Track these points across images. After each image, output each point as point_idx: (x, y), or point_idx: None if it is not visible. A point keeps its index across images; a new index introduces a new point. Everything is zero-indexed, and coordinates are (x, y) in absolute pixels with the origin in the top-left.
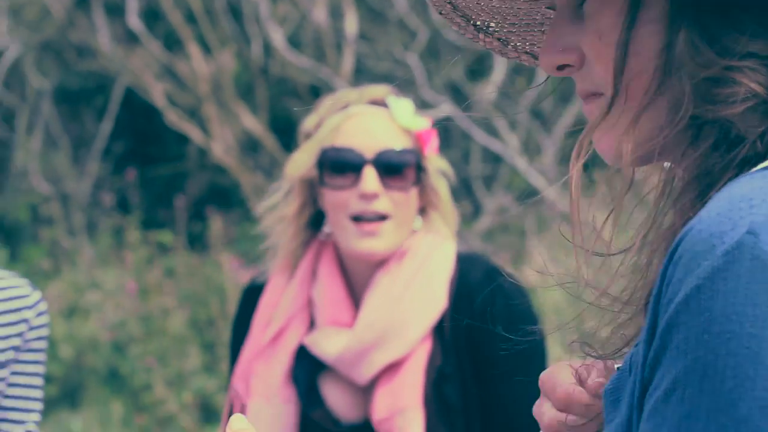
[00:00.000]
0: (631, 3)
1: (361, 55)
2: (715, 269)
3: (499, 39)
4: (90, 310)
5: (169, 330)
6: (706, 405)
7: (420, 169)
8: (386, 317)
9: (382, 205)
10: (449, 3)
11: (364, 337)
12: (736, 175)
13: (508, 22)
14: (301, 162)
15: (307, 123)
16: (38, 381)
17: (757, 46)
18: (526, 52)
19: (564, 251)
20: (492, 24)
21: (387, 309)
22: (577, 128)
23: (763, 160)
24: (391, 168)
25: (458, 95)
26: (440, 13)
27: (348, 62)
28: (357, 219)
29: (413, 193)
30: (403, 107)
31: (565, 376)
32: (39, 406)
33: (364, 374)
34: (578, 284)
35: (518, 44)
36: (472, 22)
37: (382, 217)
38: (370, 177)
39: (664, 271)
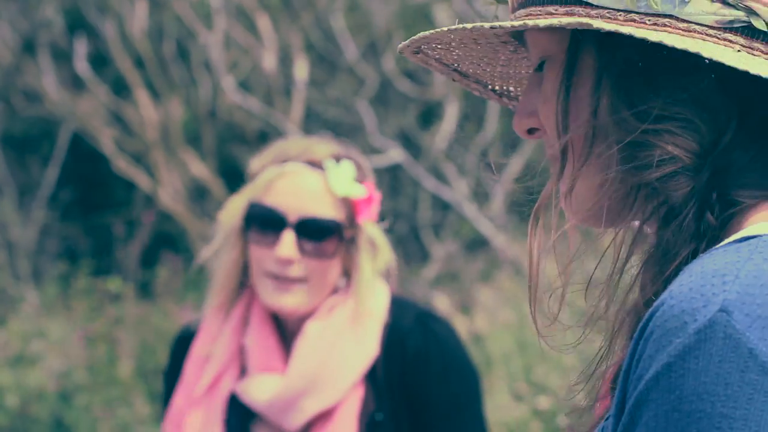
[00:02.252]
0: (566, 68)
1: (311, 100)
2: (686, 347)
3: (477, 81)
4: (36, 359)
5: (116, 379)
6: None
7: (342, 239)
8: (318, 364)
9: (296, 270)
10: (421, 54)
11: (295, 385)
12: (695, 250)
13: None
14: (233, 210)
15: (252, 166)
16: None
17: (676, 109)
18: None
19: (510, 299)
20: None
21: (319, 356)
22: (524, 176)
23: (723, 228)
24: (312, 236)
25: (408, 142)
26: (418, 56)
27: (297, 108)
28: (273, 276)
29: (334, 261)
30: (340, 173)
31: None
32: None
33: (294, 422)
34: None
35: (496, 88)
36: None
37: (299, 280)
38: (287, 242)
39: (634, 346)
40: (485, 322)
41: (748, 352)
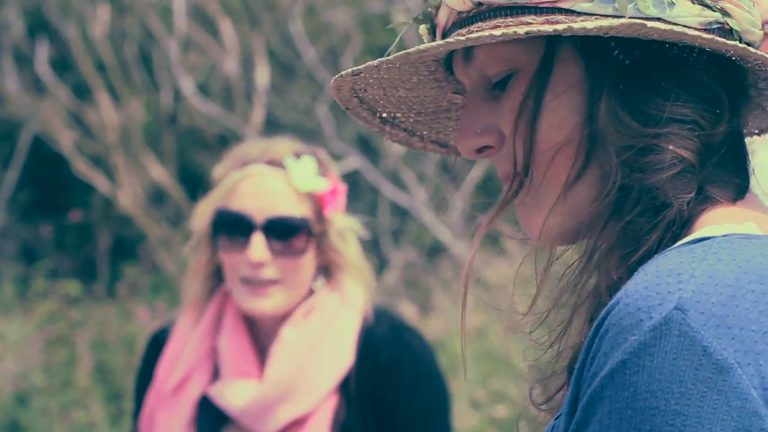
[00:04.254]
0: (538, 78)
1: (271, 105)
2: (641, 344)
3: (405, 130)
4: None
5: (73, 381)
6: None
7: (312, 234)
8: (293, 372)
9: (269, 272)
10: (356, 97)
11: (270, 391)
12: (661, 239)
13: (414, 111)
14: (201, 216)
15: (215, 172)
16: None
17: (681, 111)
18: (432, 141)
19: (469, 307)
20: (398, 114)
21: (294, 364)
22: (485, 183)
23: (687, 224)
24: (280, 235)
25: (367, 148)
26: (347, 109)
27: (258, 113)
28: (247, 281)
29: (306, 258)
30: (301, 169)
31: None
32: None
33: (268, 428)
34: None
35: (425, 133)
36: (378, 114)
37: (272, 282)
38: (257, 245)
39: (589, 344)
40: (444, 329)
41: (702, 350)
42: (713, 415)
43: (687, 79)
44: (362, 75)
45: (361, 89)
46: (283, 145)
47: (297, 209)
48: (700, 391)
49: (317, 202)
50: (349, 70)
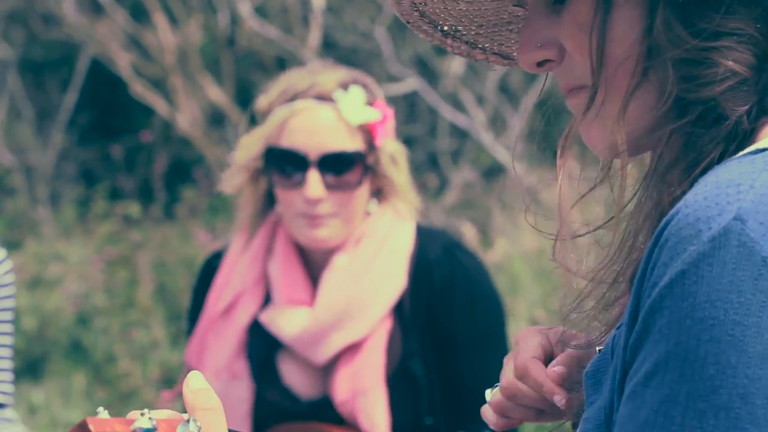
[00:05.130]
0: None
1: (328, 27)
2: (700, 255)
3: (466, 42)
4: (54, 282)
5: (134, 302)
6: (686, 391)
7: (367, 166)
8: (345, 298)
9: (325, 207)
10: (417, 11)
11: (323, 318)
12: (723, 152)
13: (475, 24)
14: (249, 151)
15: (259, 104)
16: (8, 340)
17: (735, 24)
18: (495, 53)
19: (527, 227)
20: (460, 27)
21: (346, 289)
22: (543, 102)
23: (748, 137)
24: (335, 170)
25: (425, 69)
26: (407, 23)
27: (315, 35)
28: (304, 215)
29: (361, 189)
30: (351, 102)
31: (531, 344)
32: (10, 364)
33: (322, 355)
34: (559, 264)
35: (486, 46)
36: (439, 28)
37: (329, 215)
38: (313, 182)
39: (649, 254)
40: (503, 250)
41: (761, 260)
42: None
43: None
44: None
45: (420, 3)
46: (329, 77)
47: (350, 143)
48: (760, 301)
49: (369, 133)
50: None
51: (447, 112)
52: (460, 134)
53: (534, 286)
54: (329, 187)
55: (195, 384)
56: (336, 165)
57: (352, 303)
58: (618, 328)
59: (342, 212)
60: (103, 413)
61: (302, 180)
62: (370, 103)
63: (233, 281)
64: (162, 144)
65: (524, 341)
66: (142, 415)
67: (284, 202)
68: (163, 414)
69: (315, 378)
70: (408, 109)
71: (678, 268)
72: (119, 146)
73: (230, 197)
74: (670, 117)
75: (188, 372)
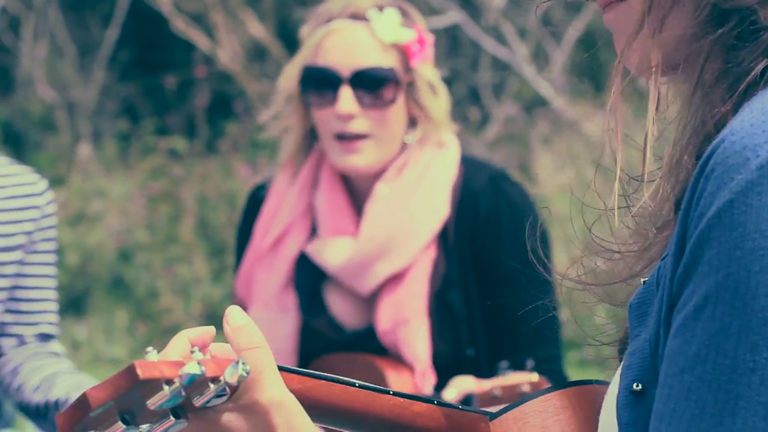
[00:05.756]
0: None
1: None
2: (749, 183)
3: None
4: (96, 217)
5: (176, 238)
6: (737, 323)
7: (399, 83)
8: (388, 228)
9: (359, 125)
10: None
11: (367, 249)
12: (766, 68)
13: None
14: (289, 76)
15: (301, 33)
16: (52, 270)
17: None
18: None
19: (568, 161)
20: None
21: (389, 219)
22: (586, 38)
23: None
24: (368, 86)
25: (467, 2)
26: None
27: None
28: (340, 137)
29: (395, 109)
30: (385, 20)
31: None
32: (54, 294)
33: (366, 285)
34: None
35: None
36: None
37: (364, 136)
38: (345, 97)
39: (695, 184)
40: (544, 183)
41: None
42: None
43: None
44: None
45: None
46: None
47: (383, 60)
48: None
49: (403, 53)
50: None
51: (489, 46)
52: (502, 68)
53: (574, 219)
54: (363, 104)
55: (235, 321)
56: (369, 81)
57: (395, 233)
58: (663, 259)
59: (376, 133)
60: (152, 354)
61: (335, 97)
62: (407, 27)
63: (282, 214)
64: (203, 79)
65: None
66: (192, 353)
67: (320, 123)
68: (220, 348)
69: (360, 308)
70: (449, 42)
71: (725, 198)
72: (160, 82)
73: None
74: (706, 29)
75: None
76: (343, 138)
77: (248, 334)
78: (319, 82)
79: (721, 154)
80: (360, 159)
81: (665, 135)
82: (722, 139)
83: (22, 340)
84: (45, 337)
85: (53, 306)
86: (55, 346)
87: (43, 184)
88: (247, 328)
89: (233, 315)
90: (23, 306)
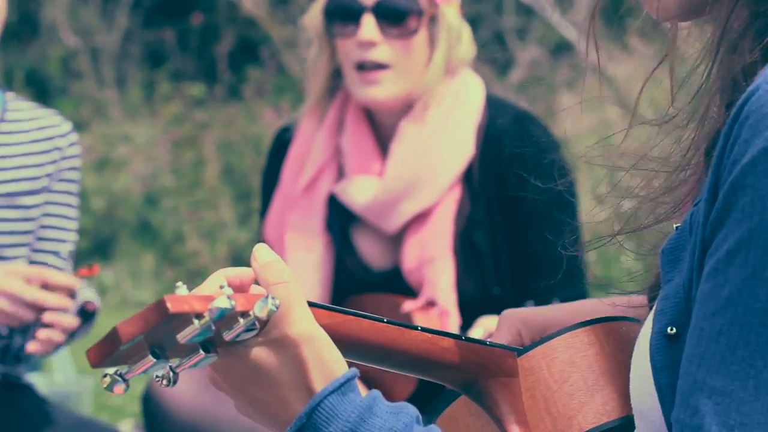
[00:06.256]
0: None
1: None
2: None
3: None
4: (121, 162)
5: (202, 182)
6: None
7: (422, 14)
8: (414, 167)
9: (380, 53)
10: None
11: (392, 188)
12: None
13: None
14: (314, 12)
15: None
16: (72, 212)
17: None
18: None
19: (593, 104)
20: None
21: (414, 158)
22: None
23: None
24: (391, 15)
25: None
26: None
27: None
28: (361, 67)
29: (418, 41)
30: None
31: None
32: (73, 236)
33: (392, 224)
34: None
35: None
36: None
37: (384, 66)
38: (368, 25)
39: (728, 131)
40: (569, 126)
41: None
42: None
43: None
44: None
45: None
46: None
47: None
48: None
49: None
50: None
51: None
52: (526, 11)
53: (598, 162)
54: (385, 33)
55: (263, 257)
56: (391, 10)
57: (420, 172)
58: (696, 204)
59: (397, 63)
60: (181, 288)
61: (357, 27)
62: None
63: (312, 156)
64: (227, 24)
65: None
66: (221, 288)
67: (343, 54)
68: (237, 272)
69: (387, 248)
70: None
71: (760, 146)
72: (183, 27)
73: (296, 77)
74: None
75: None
76: (364, 68)
77: (276, 269)
78: (343, 12)
79: (755, 102)
80: (380, 90)
81: (689, 80)
82: (756, 87)
83: None
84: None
85: (70, 246)
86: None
87: (66, 126)
88: (275, 264)
89: (261, 252)
90: (39, 245)
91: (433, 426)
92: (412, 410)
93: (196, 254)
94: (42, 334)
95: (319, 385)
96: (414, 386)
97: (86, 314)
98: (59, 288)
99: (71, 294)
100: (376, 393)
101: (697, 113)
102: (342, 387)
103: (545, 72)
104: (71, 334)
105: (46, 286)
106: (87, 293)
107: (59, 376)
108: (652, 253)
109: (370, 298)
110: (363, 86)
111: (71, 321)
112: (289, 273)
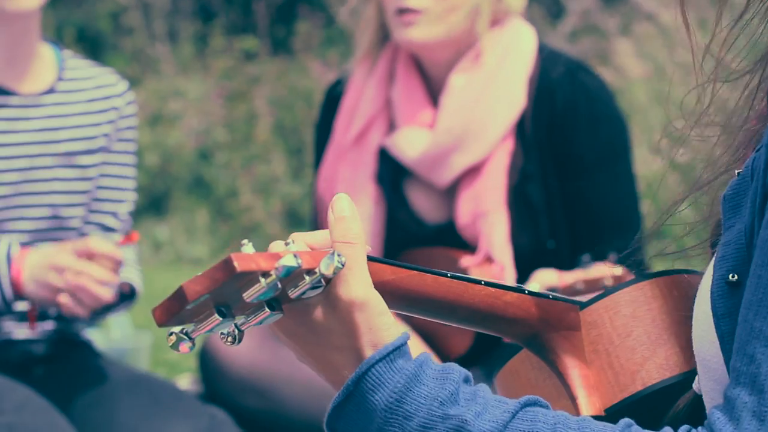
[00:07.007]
0: None
1: None
2: None
3: None
4: (174, 118)
5: (254, 137)
6: None
7: None
8: (464, 120)
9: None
10: None
11: (443, 141)
12: None
13: None
14: None
15: None
16: (130, 171)
17: None
18: None
19: (647, 52)
20: None
21: (465, 111)
22: None
23: None
24: None
25: None
26: None
27: None
28: (400, 11)
29: None
30: None
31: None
32: (131, 196)
33: (444, 177)
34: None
35: None
36: None
37: (419, 11)
38: None
39: None
40: (622, 75)
41: None
42: None
43: None
44: None
45: None
46: None
47: None
48: None
49: None
50: None
51: None
52: None
53: (654, 110)
54: None
55: (339, 210)
56: None
57: (471, 124)
58: (757, 150)
59: (432, 7)
60: (247, 246)
61: None
62: None
63: (362, 108)
64: None
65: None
66: (286, 245)
67: (386, 1)
68: (318, 237)
69: (440, 201)
70: None
71: None
72: None
73: (345, 29)
74: None
75: (316, 204)
76: (402, 12)
77: (346, 227)
78: None
79: None
80: (416, 32)
81: (750, 24)
82: None
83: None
84: (106, 229)
85: (128, 206)
86: (127, 252)
87: (123, 85)
88: (347, 221)
89: (339, 203)
90: (98, 206)
91: (481, 384)
92: (458, 374)
93: (250, 209)
94: (63, 298)
95: (369, 351)
96: (471, 341)
97: (123, 295)
98: (104, 258)
99: (117, 264)
100: (424, 358)
101: (759, 61)
102: (390, 354)
103: (598, 20)
104: (106, 309)
105: (91, 257)
106: (128, 264)
107: (116, 332)
108: (711, 205)
109: (425, 253)
110: (401, 29)
111: (107, 294)
112: (357, 232)
